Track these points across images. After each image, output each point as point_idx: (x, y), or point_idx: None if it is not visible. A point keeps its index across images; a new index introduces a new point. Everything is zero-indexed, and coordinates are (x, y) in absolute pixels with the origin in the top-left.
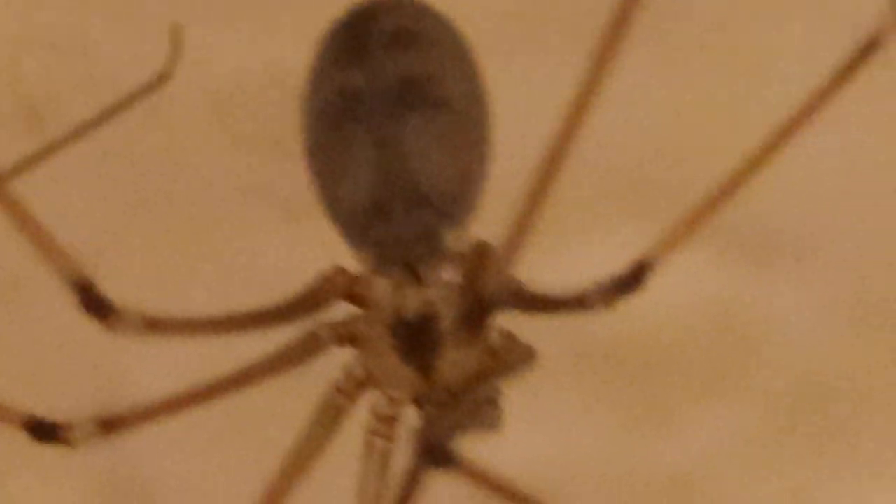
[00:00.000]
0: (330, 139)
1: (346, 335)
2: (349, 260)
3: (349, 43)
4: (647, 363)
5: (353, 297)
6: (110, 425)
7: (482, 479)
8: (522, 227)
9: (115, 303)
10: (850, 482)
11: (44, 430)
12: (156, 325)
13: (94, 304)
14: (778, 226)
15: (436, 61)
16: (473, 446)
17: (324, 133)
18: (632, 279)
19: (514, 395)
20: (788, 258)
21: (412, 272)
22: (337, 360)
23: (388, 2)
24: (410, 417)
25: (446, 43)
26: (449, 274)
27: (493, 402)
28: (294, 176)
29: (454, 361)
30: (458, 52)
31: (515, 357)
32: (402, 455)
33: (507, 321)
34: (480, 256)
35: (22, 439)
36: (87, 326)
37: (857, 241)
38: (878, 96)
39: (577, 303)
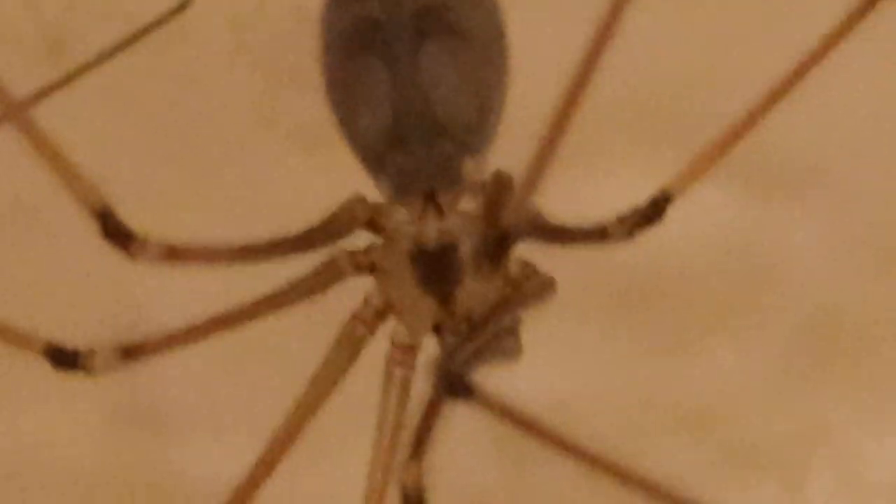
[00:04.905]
0: (347, 68)
1: (365, 264)
2: (369, 189)
3: None
4: (666, 295)
5: (372, 226)
6: (131, 353)
7: (500, 409)
8: (543, 157)
9: (135, 230)
10: (865, 414)
11: (64, 358)
12: (176, 254)
13: (115, 231)
14: (795, 160)
15: None
16: (492, 376)
17: (341, 62)
18: (652, 211)
19: (533, 326)
20: (805, 192)
21: (431, 201)
22: (356, 290)
23: None
24: (430, 348)
25: None
26: (469, 204)
27: (512, 333)
28: (313, 104)
29: (473, 291)
30: None
31: (535, 287)
32: (421, 385)
33: (527, 251)
34: (500, 187)
35: (40, 369)
36: (108, 255)
37: (873, 175)
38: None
39: (597, 234)
